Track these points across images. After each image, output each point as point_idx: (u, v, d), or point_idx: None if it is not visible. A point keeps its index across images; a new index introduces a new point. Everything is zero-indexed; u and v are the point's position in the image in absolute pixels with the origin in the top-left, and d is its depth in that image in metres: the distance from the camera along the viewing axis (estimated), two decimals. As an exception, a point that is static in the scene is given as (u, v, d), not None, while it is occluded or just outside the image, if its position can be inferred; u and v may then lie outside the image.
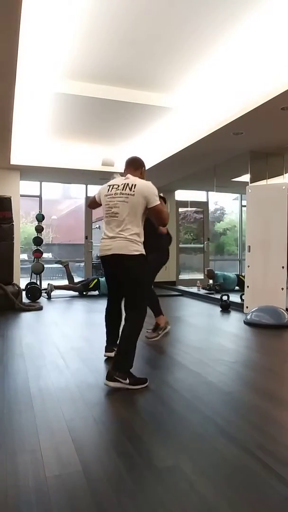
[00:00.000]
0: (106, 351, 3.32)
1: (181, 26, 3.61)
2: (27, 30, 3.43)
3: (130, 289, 2.83)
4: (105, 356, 3.30)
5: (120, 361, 2.66)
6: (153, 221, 2.99)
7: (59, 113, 5.55)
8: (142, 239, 2.82)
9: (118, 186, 2.86)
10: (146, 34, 3.75)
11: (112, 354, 3.14)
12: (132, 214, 2.76)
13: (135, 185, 2.79)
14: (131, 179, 2.86)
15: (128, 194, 2.78)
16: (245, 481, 1.61)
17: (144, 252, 2.80)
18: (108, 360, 3.24)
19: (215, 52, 4.05)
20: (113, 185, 2.90)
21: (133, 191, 2.77)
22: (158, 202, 2.79)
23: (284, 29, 3.62)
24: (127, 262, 2.76)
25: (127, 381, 2.60)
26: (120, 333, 2.85)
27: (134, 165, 3.04)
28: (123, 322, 2.89)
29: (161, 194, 3.14)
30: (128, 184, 2.82)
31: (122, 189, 2.81)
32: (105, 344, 3.35)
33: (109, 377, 2.62)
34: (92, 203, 3.22)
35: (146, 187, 2.80)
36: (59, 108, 5.35)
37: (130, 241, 2.74)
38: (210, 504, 1.46)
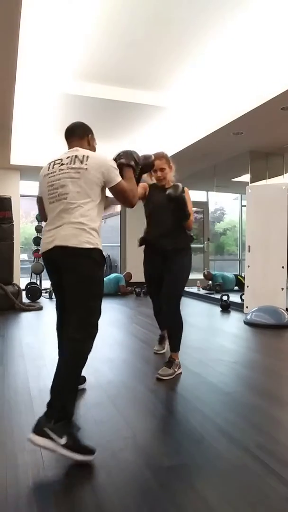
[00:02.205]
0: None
1: (181, 26, 3.60)
2: (27, 30, 3.43)
3: (76, 299, 1.97)
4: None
5: (58, 409, 1.76)
6: (120, 203, 2.23)
7: (59, 113, 5.55)
8: (99, 228, 2.06)
9: (62, 160, 2.14)
10: (146, 34, 3.75)
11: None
12: (85, 193, 2.01)
13: (87, 156, 2.08)
14: (81, 151, 2.15)
15: (79, 168, 2.04)
16: (245, 481, 1.61)
17: (100, 247, 2.02)
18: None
19: (215, 51, 4.05)
20: (55, 161, 2.18)
21: (86, 163, 2.04)
22: (119, 180, 2.07)
23: (284, 29, 3.62)
24: (73, 258, 1.95)
25: (63, 440, 1.68)
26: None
27: (78, 133, 2.32)
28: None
29: (123, 160, 2.26)
30: (77, 156, 2.09)
31: (70, 163, 2.08)
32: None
33: (38, 429, 1.69)
34: (40, 208, 2.37)
35: (102, 159, 2.08)
36: (58, 108, 5.35)
37: (82, 229, 1.95)
38: (210, 504, 1.46)
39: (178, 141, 6.14)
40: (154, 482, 1.60)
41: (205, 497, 1.50)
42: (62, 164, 2.11)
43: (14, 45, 3.18)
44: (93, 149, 2.30)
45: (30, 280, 7.96)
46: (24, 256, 9.26)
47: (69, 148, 2.29)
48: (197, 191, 9.70)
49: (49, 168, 2.20)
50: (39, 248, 7.98)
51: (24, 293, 6.89)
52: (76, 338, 1.92)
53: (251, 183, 6.24)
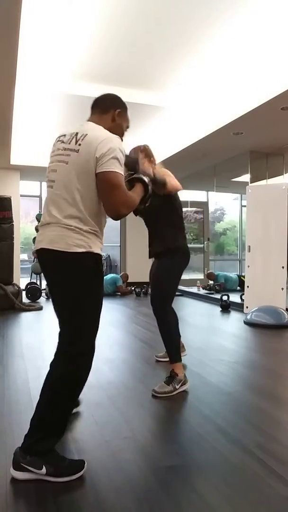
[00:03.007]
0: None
1: (182, 25, 3.60)
2: (27, 30, 3.43)
3: (63, 312, 1.68)
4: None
5: (37, 440, 1.60)
6: (102, 201, 1.65)
7: (59, 113, 5.55)
8: (98, 228, 1.68)
9: (65, 136, 1.73)
10: (145, 33, 3.75)
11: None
12: (73, 183, 1.61)
13: (85, 135, 1.65)
14: (85, 126, 1.73)
15: (71, 150, 1.64)
16: (245, 481, 1.61)
17: (96, 250, 1.64)
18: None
19: (215, 51, 4.05)
20: (60, 136, 1.77)
21: (79, 144, 1.62)
22: (115, 170, 1.59)
23: (284, 29, 3.62)
24: (60, 264, 1.63)
25: (43, 470, 1.57)
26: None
27: (101, 107, 1.86)
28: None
29: (145, 178, 1.89)
30: (77, 134, 1.67)
31: (67, 142, 1.68)
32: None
33: (15, 463, 1.61)
34: None
35: (102, 138, 1.62)
36: (58, 107, 5.35)
37: (69, 229, 1.59)
38: (210, 504, 1.46)
39: (178, 141, 6.14)
40: (154, 482, 1.60)
41: (205, 497, 1.50)
42: (63, 142, 1.70)
43: (14, 45, 3.18)
44: (118, 128, 1.82)
45: (30, 280, 7.96)
46: (24, 256, 9.26)
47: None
48: (197, 191, 9.71)
49: (54, 145, 1.78)
50: (39, 248, 8.00)
51: (24, 293, 6.89)
52: (69, 351, 1.63)
53: (251, 183, 6.24)
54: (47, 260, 1.67)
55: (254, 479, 1.61)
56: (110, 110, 1.83)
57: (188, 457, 1.80)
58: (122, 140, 1.76)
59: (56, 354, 1.67)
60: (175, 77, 4.67)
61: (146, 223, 2.95)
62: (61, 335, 1.68)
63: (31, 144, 6.91)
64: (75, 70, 4.47)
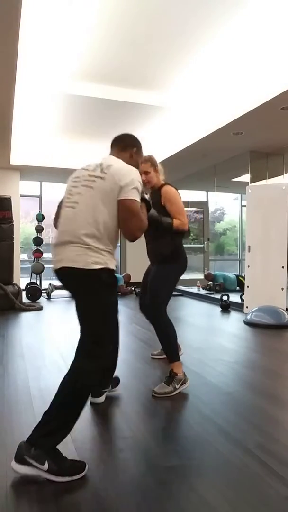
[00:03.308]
0: (92, 395, 2.38)
1: (181, 25, 3.60)
2: (27, 30, 3.43)
3: (82, 324, 1.82)
4: (90, 402, 2.38)
5: (42, 433, 1.66)
6: (122, 226, 1.84)
7: (59, 113, 5.55)
8: (112, 247, 1.85)
9: (89, 165, 1.94)
10: (145, 33, 3.75)
11: (100, 400, 2.44)
12: (95, 206, 1.78)
13: (110, 165, 1.86)
14: (108, 159, 1.97)
15: (97, 177, 1.83)
16: (245, 481, 1.61)
17: (112, 267, 1.81)
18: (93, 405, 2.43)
19: (215, 52, 4.05)
20: (86, 167, 1.95)
21: (105, 172, 1.82)
22: (134, 198, 1.80)
23: (284, 28, 3.62)
24: (80, 281, 1.78)
25: (45, 466, 1.61)
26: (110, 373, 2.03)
27: (122, 143, 2.11)
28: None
29: (147, 196, 2.17)
30: (102, 164, 1.89)
31: (92, 170, 1.88)
32: None
33: (18, 455, 1.64)
34: (57, 214, 2.04)
35: (125, 170, 1.85)
36: (58, 108, 5.35)
37: (88, 248, 1.75)
38: (210, 504, 1.46)
39: (178, 141, 6.14)
40: (154, 482, 1.60)
41: (205, 497, 1.50)
42: (87, 171, 1.90)
43: (14, 45, 3.18)
44: (134, 164, 2.02)
45: (30, 280, 7.96)
46: (24, 256, 9.26)
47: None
48: (197, 191, 9.71)
49: (76, 172, 1.98)
50: (39, 248, 8.01)
51: (24, 293, 6.90)
52: (83, 362, 1.78)
53: (251, 183, 6.24)
54: (69, 277, 1.82)
55: (254, 479, 1.61)
56: (128, 149, 2.09)
57: (188, 457, 1.80)
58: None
59: (76, 360, 1.79)
60: (175, 77, 4.67)
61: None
62: (82, 343, 1.80)
63: (31, 144, 6.91)
64: (75, 70, 4.47)
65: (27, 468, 1.61)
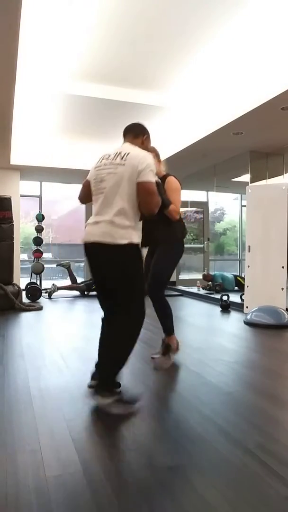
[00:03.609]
0: (92, 378, 2.47)
1: (181, 25, 3.61)
2: (27, 30, 3.43)
3: (118, 288, 2.22)
4: (89, 386, 2.42)
5: (104, 379, 2.23)
6: (141, 204, 2.23)
7: (59, 113, 5.55)
8: (135, 223, 2.22)
9: (109, 155, 2.29)
10: (145, 33, 3.75)
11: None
12: (119, 189, 2.16)
13: (128, 153, 2.21)
14: (125, 147, 2.31)
15: (118, 164, 2.18)
16: (245, 481, 1.61)
17: (136, 241, 2.19)
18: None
19: (215, 52, 4.05)
20: (105, 155, 2.32)
21: (124, 159, 2.18)
22: (152, 180, 2.16)
23: (284, 28, 3.62)
24: (111, 253, 2.15)
25: (114, 397, 2.20)
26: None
27: (134, 131, 2.45)
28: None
29: (157, 179, 2.41)
30: (120, 152, 2.24)
31: (113, 159, 2.24)
32: (97, 347, 2.65)
33: (94, 395, 2.22)
34: (83, 191, 2.47)
35: (141, 156, 2.19)
36: (58, 108, 5.35)
37: (116, 226, 2.13)
38: (210, 504, 1.46)
39: (178, 141, 6.14)
40: (154, 482, 1.60)
41: (205, 497, 1.50)
42: (108, 159, 2.26)
43: (14, 45, 3.18)
44: (145, 149, 2.37)
45: (30, 280, 7.95)
46: (24, 256, 9.26)
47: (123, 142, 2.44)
48: (197, 191, 9.71)
49: (98, 161, 2.34)
50: (39, 248, 8.01)
51: (24, 293, 6.90)
52: (125, 317, 2.24)
53: (251, 183, 6.24)
54: (100, 250, 2.19)
55: (254, 479, 1.61)
56: (139, 136, 2.45)
57: (188, 457, 1.80)
58: None
59: (114, 322, 2.27)
60: (175, 77, 4.67)
61: None
62: (118, 307, 2.24)
63: (31, 144, 6.91)
64: (75, 70, 4.47)
65: (100, 399, 2.18)
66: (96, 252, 2.24)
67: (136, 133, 2.45)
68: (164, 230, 3.05)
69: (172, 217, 3.01)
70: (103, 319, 2.48)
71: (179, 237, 3.14)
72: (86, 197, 2.48)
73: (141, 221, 3.06)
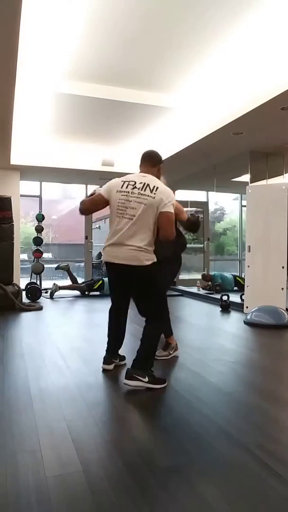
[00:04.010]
0: (105, 363, 3.02)
1: (182, 25, 3.61)
2: (27, 30, 3.43)
3: (149, 299, 2.73)
4: (103, 368, 3.00)
5: (142, 361, 2.61)
6: (160, 229, 2.58)
7: (59, 113, 5.55)
8: (153, 247, 2.63)
9: (135, 183, 2.58)
10: (146, 34, 3.75)
11: (111, 367, 3.02)
12: (147, 218, 2.51)
13: (157, 187, 2.54)
14: (150, 178, 2.61)
15: (148, 196, 2.51)
16: (245, 481, 1.61)
17: (155, 259, 2.59)
18: (105, 372, 2.99)
19: (215, 52, 4.05)
20: (129, 182, 2.60)
21: (154, 193, 2.52)
22: (171, 211, 2.52)
23: (284, 29, 3.62)
24: (140, 273, 2.57)
25: (146, 379, 2.56)
26: (142, 336, 2.73)
27: (152, 161, 2.75)
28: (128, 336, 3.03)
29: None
30: (148, 184, 2.55)
31: (141, 189, 2.54)
32: (101, 347, 3.15)
33: (128, 375, 2.56)
34: (92, 205, 2.78)
35: (167, 191, 2.58)
36: (59, 108, 5.35)
37: (141, 250, 2.52)
38: (210, 504, 1.46)
39: (178, 141, 6.14)
40: (154, 482, 1.60)
41: (205, 497, 1.50)
42: (135, 188, 2.57)
43: (14, 45, 3.17)
44: (158, 177, 2.73)
45: (30, 280, 7.95)
46: (24, 256, 9.26)
47: (140, 167, 2.77)
48: (197, 191, 9.70)
49: (122, 186, 2.62)
50: (39, 248, 8.01)
51: (24, 293, 6.89)
52: (157, 318, 2.79)
53: (251, 183, 6.23)
54: (128, 271, 2.57)
55: (254, 479, 1.61)
56: (156, 165, 2.77)
57: (188, 457, 1.80)
58: None
59: (149, 322, 2.74)
60: (176, 78, 4.67)
61: None
62: (148, 313, 2.76)
63: (31, 144, 6.91)
64: (76, 70, 4.47)
65: (135, 382, 2.54)
66: (123, 272, 2.62)
67: (154, 163, 2.76)
68: (158, 250, 3.15)
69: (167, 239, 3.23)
70: (111, 310, 3.05)
71: (172, 255, 3.29)
72: (94, 210, 2.84)
73: None
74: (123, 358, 3.20)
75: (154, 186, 2.53)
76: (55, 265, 8.23)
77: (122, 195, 2.56)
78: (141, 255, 2.51)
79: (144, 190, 2.52)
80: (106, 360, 3.02)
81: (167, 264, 3.16)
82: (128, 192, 2.55)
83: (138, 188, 2.54)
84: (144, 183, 2.55)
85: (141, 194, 2.52)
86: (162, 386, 2.60)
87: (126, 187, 2.57)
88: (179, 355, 3.50)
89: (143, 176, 2.63)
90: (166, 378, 2.78)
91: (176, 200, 3.20)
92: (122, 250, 2.54)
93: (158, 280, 2.67)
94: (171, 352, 3.44)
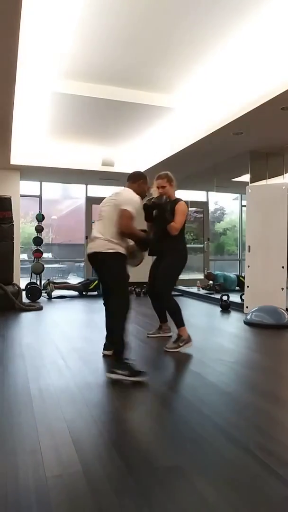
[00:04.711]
0: (104, 349, 3.43)
1: (181, 26, 3.61)
2: (27, 30, 3.43)
3: (109, 283, 3.14)
4: (103, 354, 3.41)
5: (115, 353, 2.90)
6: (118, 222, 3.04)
7: (59, 113, 5.55)
8: (117, 240, 2.99)
9: (111, 194, 3.21)
10: (146, 34, 3.75)
11: (110, 353, 3.27)
12: (111, 216, 3.00)
13: (120, 193, 3.11)
14: (122, 189, 3.19)
15: (112, 199, 3.08)
16: (245, 481, 1.61)
17: (119, 250, 2.98)
18: (106, 357, 3.33)
19: (215, 52, 4.05)
20: (109, 195, 3.24)
21: (116, 197, 3.08)
22: (128, 209, 2.94)
23: (284, 29, 3.62)
24: (102, 259, 3.03)
25: (126, 372, 2.72)
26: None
27: (132, 179, 3.29)
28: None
29: (166, 198, 3.57)
30: (117, 192, 3.14)
31: (110, 196, 3.16)
32: (101, 347, 3.46)
33: (109, 370, 2.81)
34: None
35: (126, 194, 3.07)
36: (59, 108, 5.35)
37: (105, 240, 2.99)
38: (210, 504, 1.46)
39: (178, 141, 6.14)
40: (154, 482, 1.60)
41: (205, 497, 1.50)
42: (110, 196, 3.16)
43: (14, 45, 3.17)
44: (140, 189, 3.19)
45: (30, 280, 7.95)
46: (24, 256, 9.25)
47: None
48: (197, 191, 9.70)
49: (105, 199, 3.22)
50: (39, 248, 8.01)
51: (24, 293, 6.89)
52: (115, 298, 3.09)
53: (251, 183, 6.23)
54: (97, 257, 3.02)
55: (254, 479, 1.61)
56: (136, 181, 3.25)
57: (188, 457, 1.80)
58: (145, 196, 3.31)
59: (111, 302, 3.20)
60: (176, 78, 4.67)
61: (155, 224, 3.75)
62: (110, 304, 3.23)
63: (31, 144, 6.91)
64: (76, 70, 4.47)
65: (115, 375, 2.73)
66: (92, 259, 3.10)
67: (134, 180, 3.25)
68: (169, 243, 3.67)
69: (170, 232, 3.61)
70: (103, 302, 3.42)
71: (180, 249, 3.74)
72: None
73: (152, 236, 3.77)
74: None
75: (118, 193, 3.11)
76: (55, 265, 8.22)
77: (101, 205, 3.17)
78: (104, 243, 2.98)
79: (112, 196, 3.11)
80: (106, 347, 3.41)
81: (177, 254, 3.69)
82: (105, 201, 3.15)
83: (111, 196, 3.13)
84: (114, 192, 3.15)
85: (109, 199, 3.12)
86: (141, 379, 2.73)
87: (106, 199, 3.18)
88: (178, 354, 3.49)
89: (120, 189, 3.22)
90: (166, 379, 2.77)
91: (183, 201, 3.76)
92: (93, 242, 3.05)
93: (118, 271, 3.03)
94: (180, 345, 3.53)
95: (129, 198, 3.03)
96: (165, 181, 3.73)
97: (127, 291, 3.26)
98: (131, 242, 3.13)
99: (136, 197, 3.06)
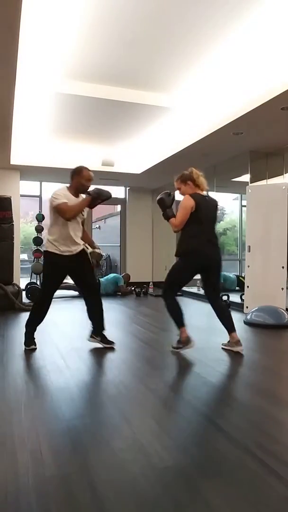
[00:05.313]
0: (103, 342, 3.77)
1: (181, 25, 3.61)
2: (27, 29, 3.43)
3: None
4: (88, 340, 3.82)
5: (96, 325, 3.73)
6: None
7: (59, 113, 5.55)
8: (53, 237, 3.41)
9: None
10: (146, 33, 3.75)
11: (98, 339, 3.72)
12: (50, 215, 3.46)
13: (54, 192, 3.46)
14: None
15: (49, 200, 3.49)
16: (245, 481, 1.61)
17: (49, 249, 3.43)
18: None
19: (214, 52, 4.05)
20: None
21: (49, 202, 3.48)
22: (57, 202, 3.31)
23: (284, 28, 3.62)
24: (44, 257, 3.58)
25: (99, 338, 3.72)
26: (97, 323, 3.72)
27: (71, 176, 3.55)
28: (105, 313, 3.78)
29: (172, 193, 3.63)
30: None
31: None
32: (97, 347, 3.70)
33: (89, 336, 3.73)
34: None
35: (54, 192, 3.41)
36: (59, 108, 5.35)
37: (46, 239, 3.52)
38: (209, 503, 1.46)
39: (178, 141, 6.14)
40: (154, 482, 1.60)
41: (205, 497, 1.50)
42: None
43: (14, 45, 3.17)
44: (77, 184, 3.50)
45: (30, 280, 7.95)
46: (24, 256, 9.26)
47: None
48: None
49: None
50: (39, 248, 8.01)
51: (24, 293, 6.89)
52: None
53: (251, 183, 6.23)
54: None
55: (254, 479, 1.61)
56: (73, 177, 3.54)
57: (188, 457, 1.80)
58: (86, 190, 3.54)
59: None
60: (176, 78, 4.67)
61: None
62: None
63: (31, 144, 6.91)
64: (76, 70, 4.47)
65: (93, 340, 3.66)
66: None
67: (71, 177, 3.54)
68: (179, 242, 3.65)
69: (172, 228, 3.56)
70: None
71: (183, 249, 3.56)
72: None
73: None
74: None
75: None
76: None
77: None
78: (46, 242, 3.51)
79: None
80: (92, 333, 3.82)
81: (184, 257, 3.60)
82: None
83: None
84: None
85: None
86: (112, 345, 3.60)
87: None
88: (178, 354, 3.49)
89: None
90: (166, 378, 2.76)
91: (188, 195, 3.55)
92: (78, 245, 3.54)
93: (45, 266, 3.52)
94: (180, 346, 3.55)
95: (52, 195, 3.37)
96: (179, 183, 3.65)
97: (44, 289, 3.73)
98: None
99: (56, 189, 3.42)
